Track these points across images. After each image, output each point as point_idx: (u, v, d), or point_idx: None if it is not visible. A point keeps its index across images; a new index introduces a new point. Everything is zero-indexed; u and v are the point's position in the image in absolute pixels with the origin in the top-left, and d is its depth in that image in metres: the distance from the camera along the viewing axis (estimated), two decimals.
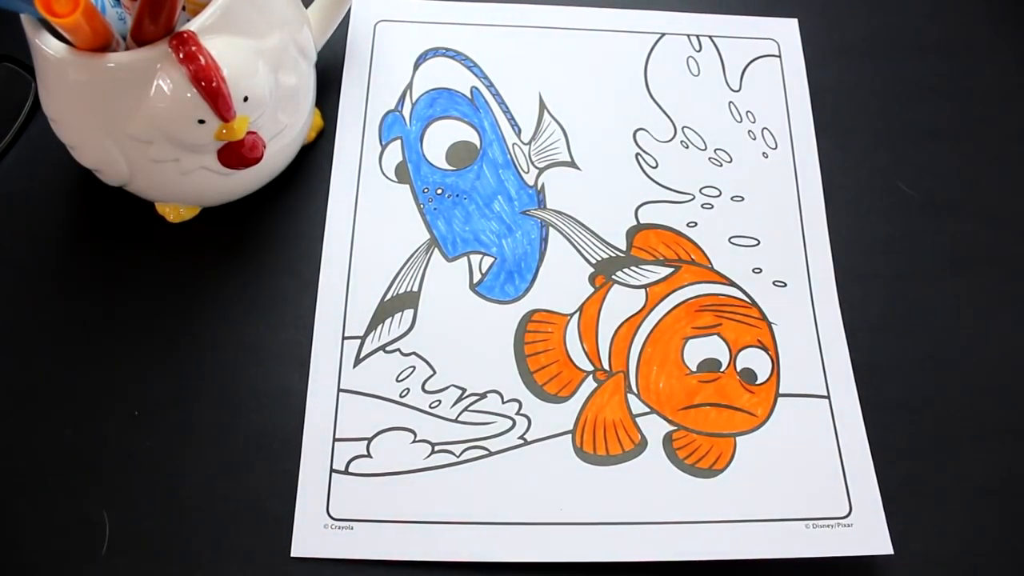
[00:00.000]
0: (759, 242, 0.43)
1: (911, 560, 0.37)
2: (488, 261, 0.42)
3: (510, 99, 0.46)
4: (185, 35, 0.33)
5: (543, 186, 0.44)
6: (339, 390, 0.39)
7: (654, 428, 0.39)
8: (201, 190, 0.39)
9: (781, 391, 0.40)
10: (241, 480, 0.38)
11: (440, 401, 0.39)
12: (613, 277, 0.42)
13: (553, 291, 0.41)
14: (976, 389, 0.41)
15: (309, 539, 0.36)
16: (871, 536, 0.37)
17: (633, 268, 0.42)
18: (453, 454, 0.38)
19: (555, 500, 0.38)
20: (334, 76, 0.46)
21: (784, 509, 0.37)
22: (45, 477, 0.38)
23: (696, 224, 0.43)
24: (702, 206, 0.44)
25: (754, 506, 0.38)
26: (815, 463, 0.38)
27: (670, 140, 0.45)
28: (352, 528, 0.37)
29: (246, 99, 0.35)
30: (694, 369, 0.40)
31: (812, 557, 0.37)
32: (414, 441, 0.38)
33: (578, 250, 0.42)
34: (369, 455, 0.38)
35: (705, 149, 0.45)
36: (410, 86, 0.46)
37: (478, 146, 0.45)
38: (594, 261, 0.42)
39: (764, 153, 0.45)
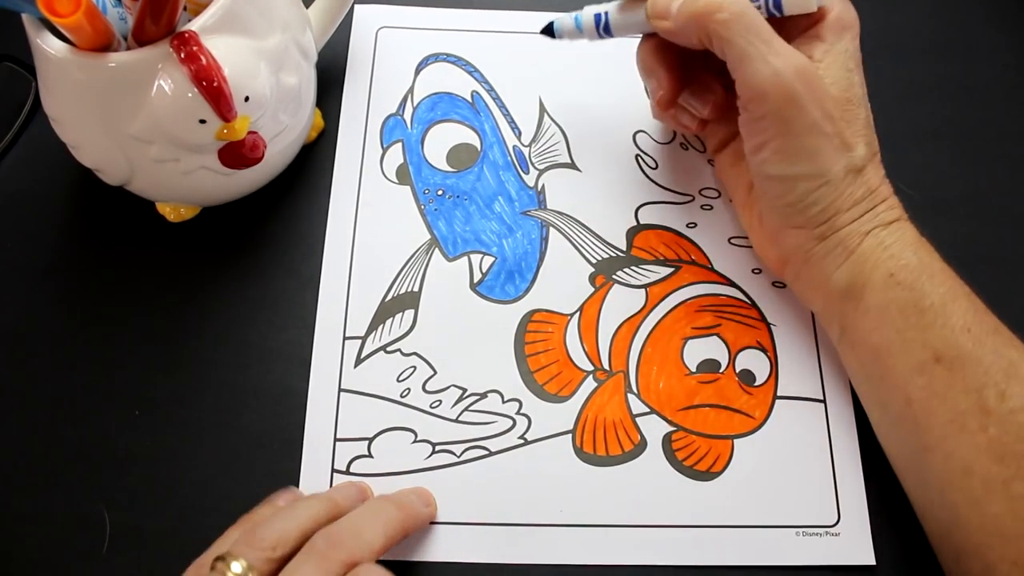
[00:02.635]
0: None
1: (891, 571, 0.37)
2: (488, 261, 0.42)
3: (510, 103, 0.46)
4: (186, 35, 0.33)
5: (543, 187, 0.44)
6: (340, 390, 0.39)
7: (654, 428, 0.39)
8: (201, 190, 0.40)
9: (779, 393, 0.40)
10: (241, 480, 0.38)
11: (441, 401, 0.39)
12: (613, 277, 0.42)
13: (553, 291, 0.41)
14: None
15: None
16: (856, 546, 0.37)
17: (633, 268, 0.42)
18: (454, 454, 0.38)
19: (555, 500, 0.38)
20: (335, 77, 0.46)
21: (777, 516, 0.37)
22: (45, 477, 0.38)
23: (696, 225, 0.43)
24: (701, 207, 0.44)
25: (748, 512, 0.38)
26: (809, 469, 0.38)
27: (670, 142, 0.45)
28: None
29: (247, 99, 0.35)
30: (694, 369, 0.40)
31: (800, 565, 0.37)
32: (415, 441, 0.38)
33: (578, 250, 0.42)
34: (370, 455, 0.38)
35: (704, 151, 0.45)
36: (411, 91, 0.46)
37: (479, 148, 0.45)
38: (594, 261, 0.42)
39: None
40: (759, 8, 0.36)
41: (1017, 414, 0.32)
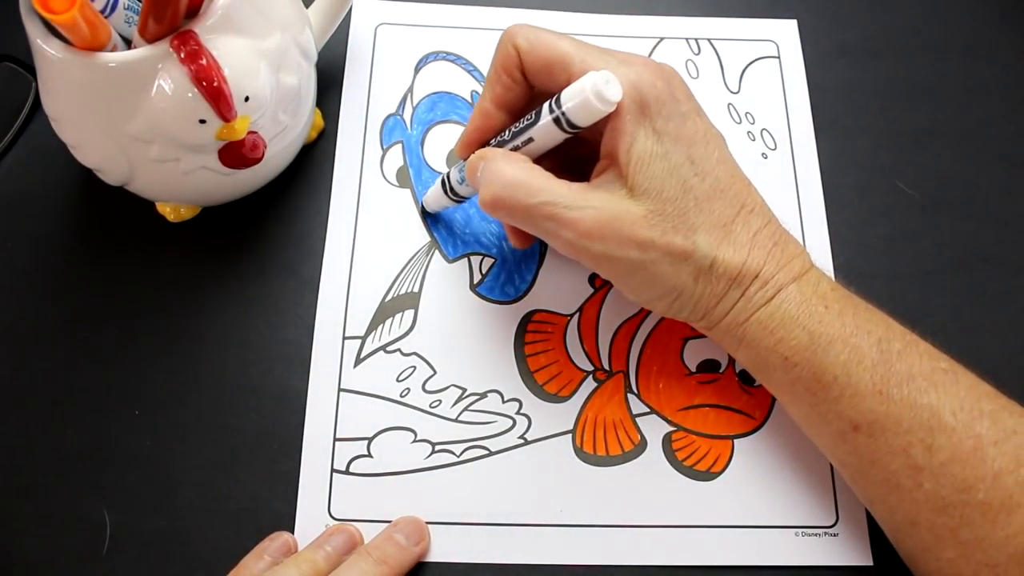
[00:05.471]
0: None
1: (888, 572, 0.37)
2: (488, 262, 0.42)
3: None
4: (186, 34, 0.33)
5: None
6: (340, 390, 0.39)
7: (654, 428, 0.39)
8: (201, 190, 0.40)
9: None
10: (241, 480, 0.38)
11: (440, 401, 0.39)
12: None
13: (553, 292, 0.41)
14: None
15: (310, 539, 0.36)
16: (854, 546, 0.37)
17: None
18: (453, 454, 0.38)
19: (555, 500, 0.38)
20: (335, 76, 0.46)
21: (776, 516, 0.38)
22: (45, 477, 0.38)
23: None
24: None
25: (748, 512, 0.38)
26: (808, 470, 0.38)
27: None
28: None
29: (247, 99, 0.35)
30: (693, 370, 0.40)
31: (798, 566, 0.37)
32: (414, 441, 0.38)
33: None
34: (370, 455, 0.38)
35: None
36: (411, 89, 0.46)
37: None
38: None
39: (763, 154, 0.45)
40: (557, 121, 0.32)
41: (948, 466, 0.32)
